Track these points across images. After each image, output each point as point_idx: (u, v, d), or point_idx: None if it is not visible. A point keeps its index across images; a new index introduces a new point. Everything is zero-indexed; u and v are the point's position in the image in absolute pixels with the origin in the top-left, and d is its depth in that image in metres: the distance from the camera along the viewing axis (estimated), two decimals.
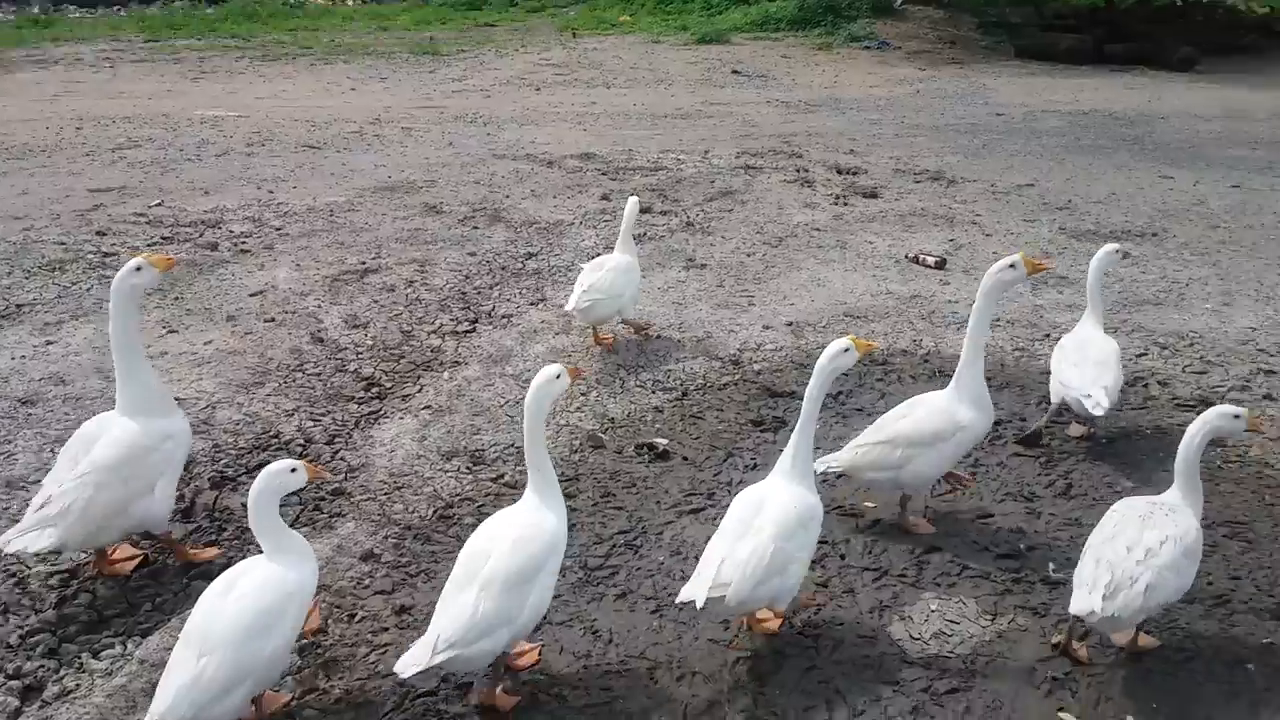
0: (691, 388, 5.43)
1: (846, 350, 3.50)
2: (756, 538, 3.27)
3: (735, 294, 6.81)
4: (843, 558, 3.92)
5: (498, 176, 9.74)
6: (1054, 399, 4.76)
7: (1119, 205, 8.85)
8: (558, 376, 3.32)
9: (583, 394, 5.34)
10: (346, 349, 5.82)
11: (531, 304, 6.58)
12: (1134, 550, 3.22)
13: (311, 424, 4.94)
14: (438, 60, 17.85)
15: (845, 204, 8.89)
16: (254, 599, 2.96)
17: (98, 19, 23.36)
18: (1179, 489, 3.41)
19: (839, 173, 9.93)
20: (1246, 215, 8.58)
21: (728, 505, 4.25)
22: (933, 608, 3.63)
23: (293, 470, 3.17)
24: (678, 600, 3.26)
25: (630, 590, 3.75)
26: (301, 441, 4.77)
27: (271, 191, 9.09)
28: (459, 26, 22.89)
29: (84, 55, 17.57)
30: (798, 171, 9.95)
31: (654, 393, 5.35)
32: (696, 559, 3.90)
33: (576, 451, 4.77)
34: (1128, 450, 4.75)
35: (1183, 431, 4.82)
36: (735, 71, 16.60)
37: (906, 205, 8.85)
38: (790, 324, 6.26)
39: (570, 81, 15.91)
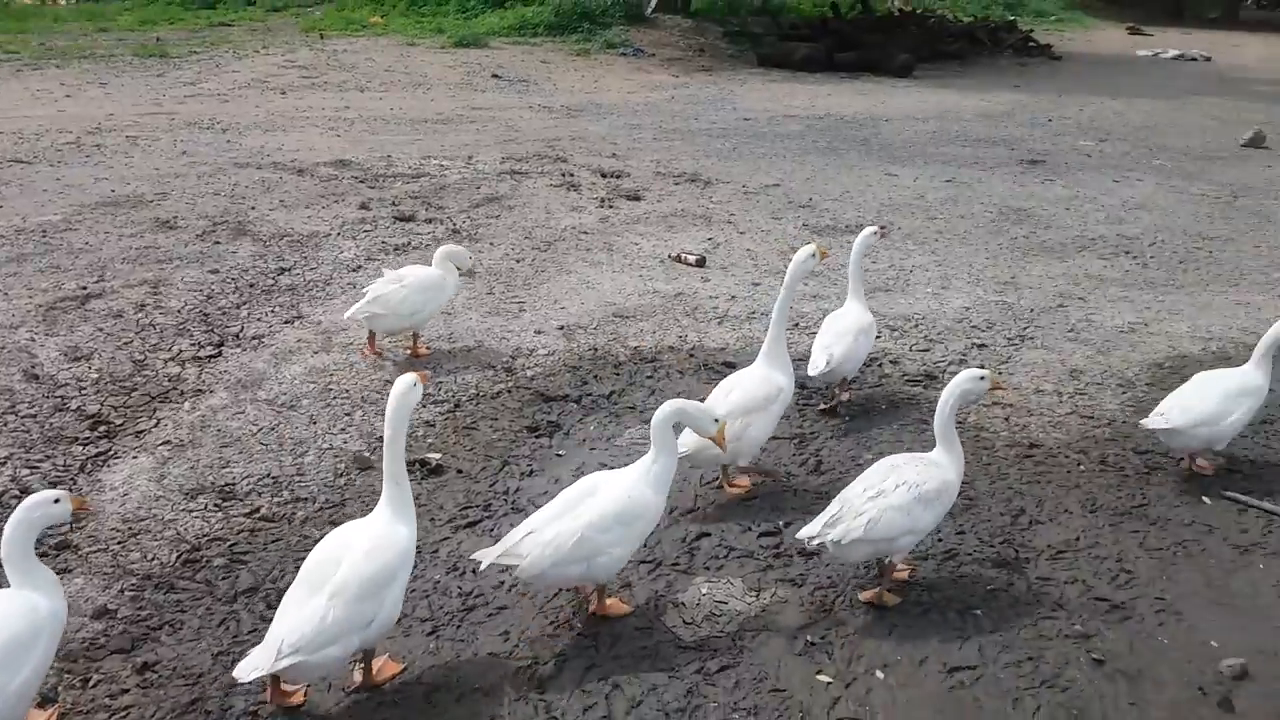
0: (464, 398, 5.33)
1: (715, 421, 3.74)
2: (571, 523, 3.35)
3: (505, 300, 6.76)
4: None
5: (241, 186, 9.08)
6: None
7: (852, 201, 9.66)
8: (414, 385, 3.32)
9: (347, 414, 5.10)
10: (67, 384, 5.19)
11: (286, 322, 6.18)
12: (869, 490, 3.61)
13: (27, 472, 4.37)
14: (166, 63, 16.36)
15: (610, 207, 9.09)
16: (2, 625, 2.70)
17: None
18: (940, 448, 3.82)
19: (603, 176, 10.12)
20: (959, 206, 9.65)
21: (505, 515, 4.26)
22: (703, 591, 3.79)
23: (56, 501, 2.90)
24: (471, 556, 3.31)
25: (405, 614, 3.61)
26: (16, 492, 4.19)
27: None
28: (190, 26, 21.10)
29: None
30: (563, 176, 10.04)
31: (425, 406, 5.20)
32: (475, 573, 3.86)
33: (342, 475, 4.54)
34: (866, 425, 5.19)
35: (912, 403, 5.45)
36: (496, 76, 16.49)
37: (668, 206, 9.18)
38: (562, 327, 6.31)
39: (319, 85, 15.12)
